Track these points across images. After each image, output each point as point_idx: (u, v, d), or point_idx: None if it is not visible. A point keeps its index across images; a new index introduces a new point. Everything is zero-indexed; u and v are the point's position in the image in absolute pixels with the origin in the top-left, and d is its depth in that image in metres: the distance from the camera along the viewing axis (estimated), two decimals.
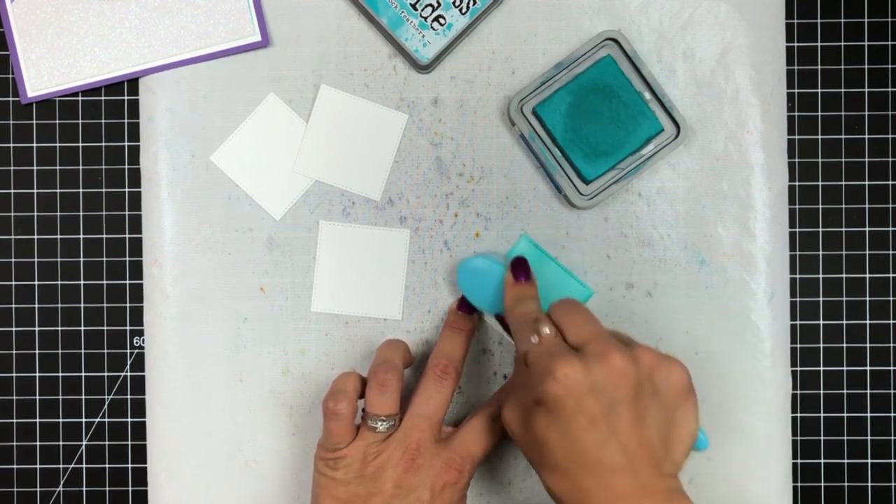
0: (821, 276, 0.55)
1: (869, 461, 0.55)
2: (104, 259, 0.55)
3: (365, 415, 0.49)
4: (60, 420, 0.55)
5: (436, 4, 0.53)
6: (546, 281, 0.52)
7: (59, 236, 0.55)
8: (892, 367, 0.55)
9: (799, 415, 0.55)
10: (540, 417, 0.43)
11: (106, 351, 0.55)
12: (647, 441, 0.42)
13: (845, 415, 0.55)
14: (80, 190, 0.55)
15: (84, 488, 0.55)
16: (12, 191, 0.55)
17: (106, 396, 0.55)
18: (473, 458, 0.49)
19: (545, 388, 0.43)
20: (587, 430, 0.42)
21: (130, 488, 0.55)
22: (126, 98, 0.55)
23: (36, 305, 0.55)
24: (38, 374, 0.55)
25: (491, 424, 0.50)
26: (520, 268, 0.50)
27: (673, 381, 0.44)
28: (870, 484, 0.55)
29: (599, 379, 0.42)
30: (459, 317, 0.52)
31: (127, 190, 0.55)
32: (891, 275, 0.55)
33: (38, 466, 0.55)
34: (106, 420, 0.55)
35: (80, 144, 0.55)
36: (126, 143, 0.55)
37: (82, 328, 0.55)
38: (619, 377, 0.43)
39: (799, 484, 0.55)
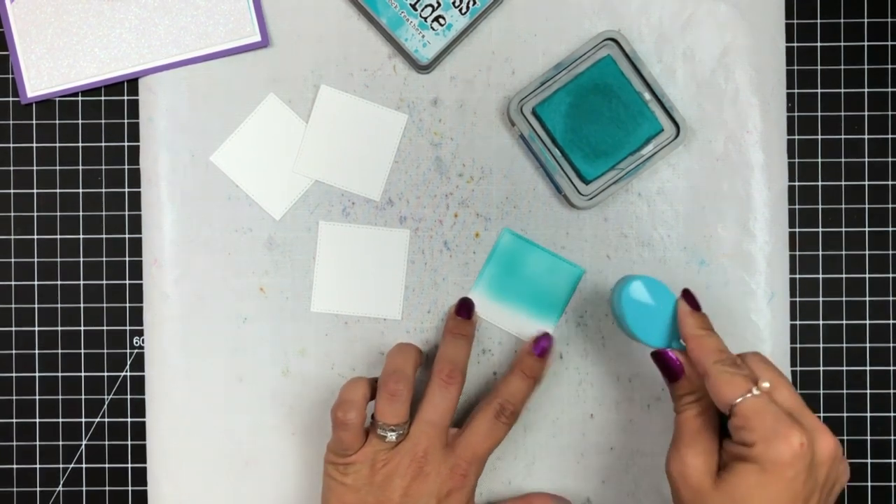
0: (821, 276, 0.55)
1: (869, 461, 0.55)
2: (104, 259, 0.55)
3: (374, 423, 0.49)
4: (60, 420, 0.55)
5: (436, 4, 0.53)
6: (537, 269, 0.53)
7: (58, 236, 0.55)
8: (892, 367, 0.55)
9: None
10: (749, 475, 0.42)
11: (106, 351, 0.55)
12: None
13: (845, 415, 0.55)
14: (80, 190, 0.55)
15: (84, 488, 0.55)
16: (12, 191, 0.55)
17: (106, 396, 0.55)
18: (479, 458, 0.49)
19: (773, 450, 0.41)
20: (799, 499, 0.42)
21: (130, 488, 0.55)
22: (126, 98, 0.55)
23: (36, 305, 0.55)
24: (37, 374, 0.55)
25: (494, 422, 0.50)
26: (693, 298, 0.48)
27: (841, 483, 0.45)
28: (870, 484, 0.55)
29: (817, 457, 0.42)
30: (460, 322, 0.52)
31: (127, 190, 0.55)
32: (891, 275, 0.55)
33: (37, 466, 0.55)
34: (106, 420, 0.55)
35: (80, 144, 0.55)
36: (126, 143, 0.55)
37: (82, 328, 0.55)
38: (827, 458, 0.43)
39: None
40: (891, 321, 0.55)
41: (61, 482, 0.55)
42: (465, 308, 0.53)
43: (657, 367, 0.48)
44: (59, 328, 0.55)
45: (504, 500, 0.53)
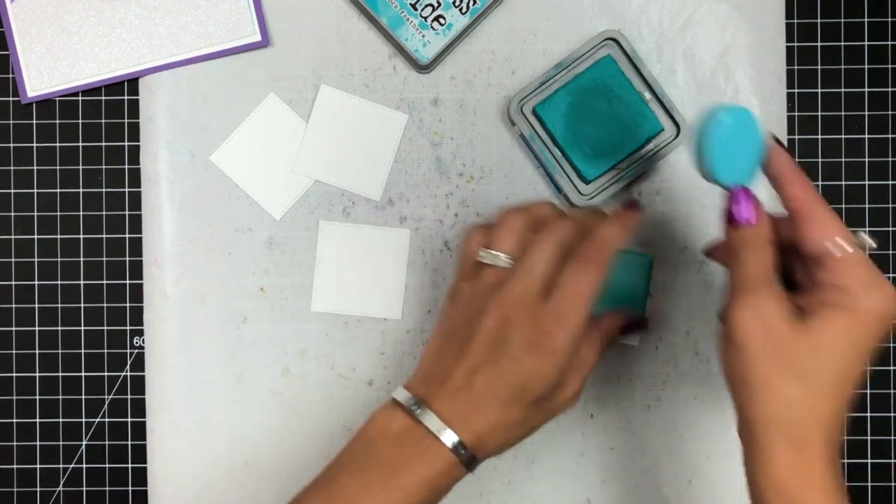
0: None
1: (869, 461, 0.55)
2: (104, 259, 0.55)
3: (485, 250, 0.46)
4: (60, 420, 0.55)
5: (436, 4, 0.53)
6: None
7: (59, 236, 0.55)
8: (892, 367, 0.55)
9: None
10: (839, 320, 0.40)
11: (106, 351, 0.55)
12: None
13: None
14: (80, 190, 0.55)
15: (84, 488, 0.55)
16: (12, 191, 0.55)
17: (106, 396, 0.55)
18: (571, 307, 0.44)
19: (874, 300, 0.39)
20: (864, 357, 0.40)
21: (130, 488, 0.55)
22: (126, 98, 0.55)
23: (36, 305, 0.55)
24: (38, 374, 0.55)
25: (585, 267, 0.44)
26: (781, 143, 0.44)
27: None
28: (870, 484, 0.55)
29: None
30: (628, 213, 0.47)
31: (127, 190, 0.55)
32: (891, 275, 0.55)
33: (38, 466, 0.55)
34: (106, 420, 0.55)
35: (80, 144, 0.55)
36: (126, 143, 0.55)
37: (82, 328, 0.55)
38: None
39: None
40: None
41: (61, 482, 0.55)
42: (631, 204, 0.48)
43: (730, 208, 0.42)
44: (60, 328, 0.55)
45: None
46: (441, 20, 0.53)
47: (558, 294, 0.44)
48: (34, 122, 0.55)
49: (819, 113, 0.55)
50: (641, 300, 0.53)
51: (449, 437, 0.43)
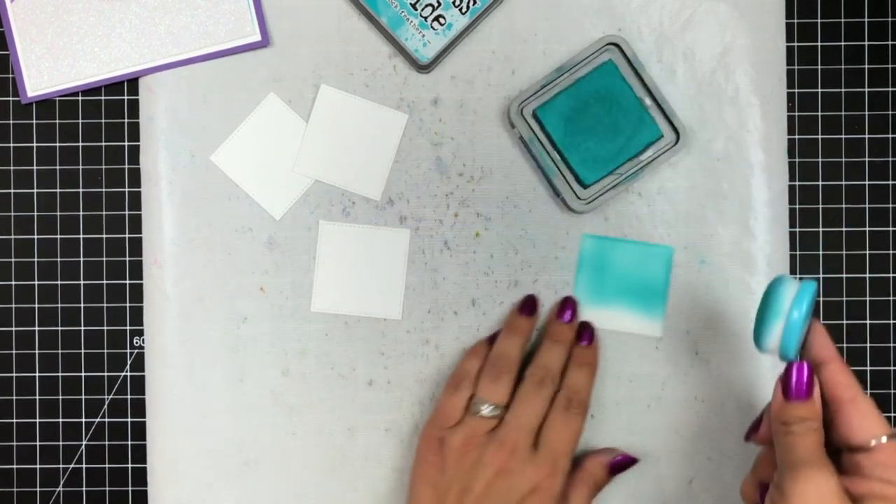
0: (821, 275, 0.55)
1: None
2: (104, 259, 0.55)
3: (472, 400, 0.50)
4: (60, 420, 0.55)
5: (436, 4, 0.53)
6: (627, 262, 0.53)
7: (59, 236, 0.55)
8: (892, 368, 0.55)
9: None
10: None
11: (106, 351, 0.55)
12: None
13: None
14: (80, 190, 0.55)
15: (84, 488, 0.55)
16: (12, 191, 0.55)
17: (106, 396, 0.55)
18: (562, 454, 0.49)
19: None
20: None
21: (130, 488, 0.55)
22: (126, 98, 0.55)
23: (36, 305, 0.55)
24: (37, 374, 0.55)
25: (564, 413, 0.50)
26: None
27: None
28: None
29: None
30: (560, 326, 0.52)
31: (127, 190, 0.55)
32: (891, 275, 0.55)
33: (38, 466, 0.55)
34: (106, 420, 0.55)
35: (80, 144, 0.55)
36: (126, 143, 0.55)
37: (82, 328, 0.55)
38: None
39: None
40: (891, 321, 0.55)
41: (61, 482, 0.55)
42: (569, 308, 0.53)
43: (788, 381, 0.43)
44: (59, 328, 0.55)
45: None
46: (441, 20, 0.53)
47: (551, 443, 0.49)
48: (34, 122, 0.55)
49: (819, 113, 0.55)
50: (662, 293, 0.53)
51: None
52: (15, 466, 0.55)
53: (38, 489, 0.55)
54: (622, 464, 0.52)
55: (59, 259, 0.55)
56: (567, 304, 0.53)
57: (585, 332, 0.53)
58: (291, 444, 0.54)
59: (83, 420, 0.55)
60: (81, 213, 0.55)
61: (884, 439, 0.41)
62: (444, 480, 0.49)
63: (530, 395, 0.50)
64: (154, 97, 0.54)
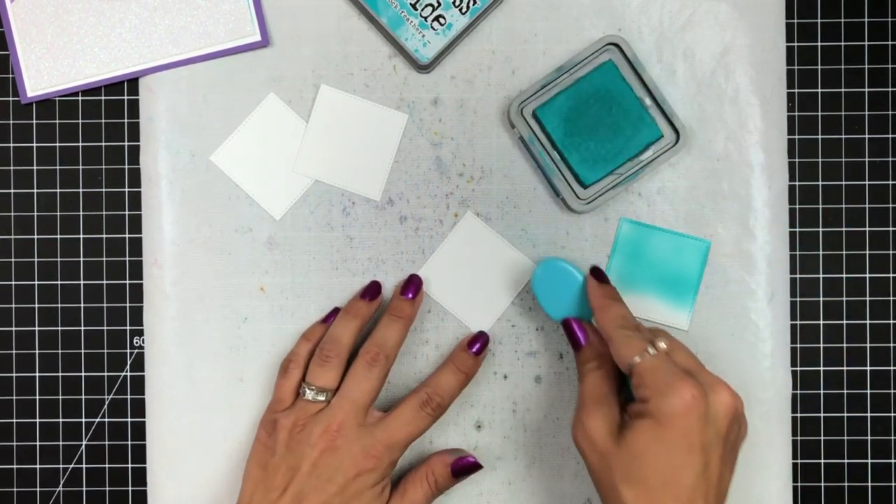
0: (821, 275, 0.55)
1: (869, 461, 0.55)
2: (104, 259, 0.55)
3: (302, 385, 0.51)
4: (60, 420, 0.55)
5: (436, 4, 0.53)
6: (662, 251, 0.53)
7: (59, 236, 0.55)
8: (892, 367, 0.55)
9: (799, 415, 0.55)
10: (646, 430, 0.44)
11: (106, 351, 0.55)
12: (724, 481, 0.44)
13: (845, 415, 0.55)
14: (80, 190, 0.55)
15: (84, 488, 0.55)
16: (12, 191, 0.55)
17: (106, 396, 0.55)
18: (396, 444, 0.49)
19: (666, 403, 0.43)
20: (689, 455, 0.43)
21: (130, 488, 0.55)
22: (126, 98, 0.55)
23: (36, 305, 0.55)
24: (38, 374, 0.55)
25: (418, 411, 0.50)
26: (601, 273, 0.50)
27: (743, 433, 0.46)
28: (870, 484, 0.55)
29: (712, 409, 0.44)
30: (401, 303, 0.52)
31: (127, 190, 0.55)
32: (891, 275, 0.55)
33: (38, 466, 0.55)
34: (106, 420, 0.55)
35: (80, 144, 0.55)
36: (126, 143, 0.55)
37: (82, 328, 0.55)
38: (726, 411, 0.44)
39: (799, 484, 0.55)
40: (891, 321, 0.55)
41: (61, 482, 0.55)
42: (412, 288, 0.52)
43: (566, 336, 0.51)
44: (59, 328, 0.55)
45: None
46: (441, 20, 0.53)
47: (390, 431, 0.49)
48: (34, 122, 0.55)
49: (819, 113, 0.55)
50: (694, 287, 0.53)
51: None
52: (15, 466, 0.55)
53: (38, 489, 0.55)
54: (465, 467, 0.52)
55: (59, 259, 0.55)
56: (412, 282, 0.53)
57: (479, 340, 0.52)
58: None
59: (83, 420, 0.55)
60: (81, 213, 0.55)
61: (637, 359, 0.45)
62: (273, 461, 0.49)
63: (360, 374, 0.50)
64: (154, 97, 0.54)
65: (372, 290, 0.53)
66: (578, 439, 0.46)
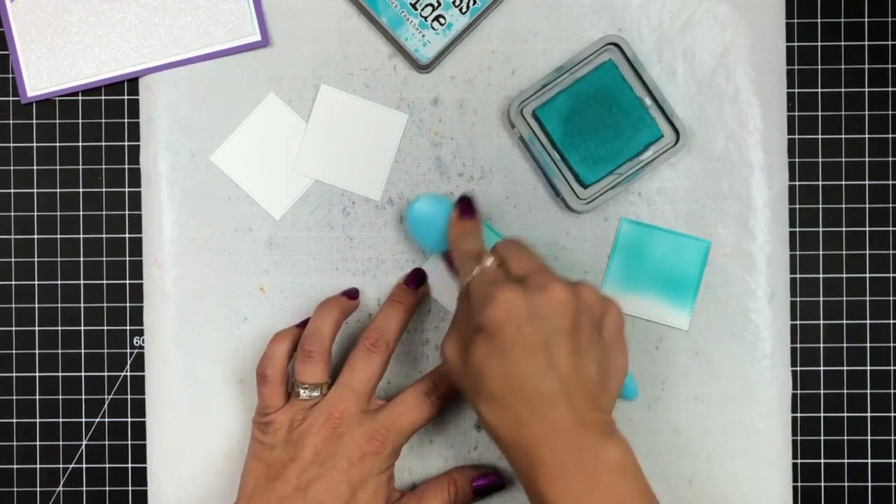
0: (821, 275, 0.55)
1: (869, 461, 0.55)
2: (104, 259, 0.55)
3: (287, 385, 0.50)
4: (60, 420, 0.55)
5: (436, 4, 0.53)
6: (662, 251, 0.53)
7: (59, 236, 0.55)
8: (892, 367, 0.55)
9: (799, 415, 0.55)
10: (479, 345, 0.43)
11: (106, 351, 0.55)
12: (585, 374, 0.43)
13: (845, 415, 0.55)
14: (80, 190, 0.55)
15: (84, 488, 0.55)
16: (12, 191, 0.55)
17: (106, 396, 0.55)
18: (399, 430, 0.49)
19: (485, 314, 0.43)
20: (525, 357, 0.42)
21: (130, 488, 0.55)
22: (126, 98, 0.55)
23: (36, 305, 0.55)
24: (38, 374, 0.55)
25: (422, 398, 0.49)
26: (465, 204, 0.50)
27: (610, 319, 0.45)
28: (870, 484, 0.55)
29: (540, 308, 0.43)
30: (403, 290, 0.52)
31: (127, 190, 0.55)
32: (891, 275, 0.55)
33: (37, 466, 0.55)
34: (106, 420, 0.55)
35: (80, 144, 0.55)
36: (126, 143, 0.55)
37: (82, 328, 0.55)
38: (559, 307, 0.43)
39: (799, 484, 0.55)
40: (891, 321, 0.55)
41: (61, 482, 0.55)
42: (414, 278, 0.53)
43: (447, 267, 0.52)
44: (59, 328, 0.55)
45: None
46: (441, 20, 0.53)
47: (393, 416, 0.49)
48: (34, 121, 0.55)
49: (819, 113, 0.55)
50: (694, 287, 0.53)
51: None
52: (15, 466, 0.55)
53: (38, 489, 0.55)
54: (488, 486, 0.52)
55: (59, 259, 0.55)
56: (415, 274, 0.53)
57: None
58: None
59: (83, 420, 0.55)
60: (81, 213, 0.55)
61: (466, 282, 0.46)
62: (273, 454, 0.49)
63: (360, 361, 0.50)
64: (154, 97, 0.54)
65: (350, 293, 0.53)
66: (442, 360, 0.47)
